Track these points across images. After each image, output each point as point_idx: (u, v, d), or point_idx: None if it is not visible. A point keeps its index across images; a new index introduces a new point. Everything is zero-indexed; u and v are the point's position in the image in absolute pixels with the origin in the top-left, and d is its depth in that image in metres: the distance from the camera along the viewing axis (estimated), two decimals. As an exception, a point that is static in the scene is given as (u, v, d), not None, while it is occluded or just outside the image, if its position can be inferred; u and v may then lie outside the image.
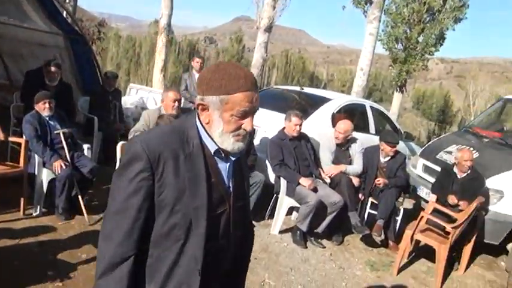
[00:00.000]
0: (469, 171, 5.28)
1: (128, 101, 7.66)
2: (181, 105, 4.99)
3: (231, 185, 1.67)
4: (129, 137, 4.84)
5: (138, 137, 1.60)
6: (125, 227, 1.52)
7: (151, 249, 1.57)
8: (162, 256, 1.57)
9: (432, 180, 5.84)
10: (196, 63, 7.96)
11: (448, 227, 4.82)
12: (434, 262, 4.90)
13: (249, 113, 1.59)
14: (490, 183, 5.45)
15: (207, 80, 1.54)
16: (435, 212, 5.18)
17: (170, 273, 1.58)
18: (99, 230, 1.56)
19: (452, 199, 5.17)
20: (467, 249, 5.24)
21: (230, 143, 1.58)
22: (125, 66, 18.20)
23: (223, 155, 1.62)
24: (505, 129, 7.65)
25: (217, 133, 1.57)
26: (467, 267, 5.36)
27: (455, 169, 5.37)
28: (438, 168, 5.90)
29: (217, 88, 1.52)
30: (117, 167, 1.63)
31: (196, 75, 7.93)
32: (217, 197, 1.61)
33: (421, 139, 12.81)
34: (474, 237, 5.22)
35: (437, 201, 5.34)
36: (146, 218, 1.53)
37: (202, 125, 1.60)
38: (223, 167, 1.64)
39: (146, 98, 8.05)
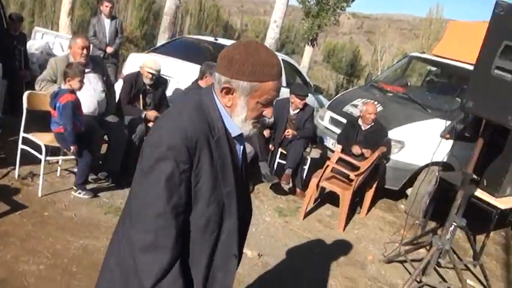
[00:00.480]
0: (372, 124, 5.61)
1: (33, 46, 7.19)
2: (90, 53, 4.79)
3: (242, 165, 1.66)
4: (36, 86, 4.62)
5: (167, 125, 1.46)
6: (173, 231, 1.42)
7: (190, 243, 1.52)
8: (202, 247, 1.53)
9: (338, 131, 6.13)
10: (105, 7, 7.57)
11: (352, 175, 5.16)
12: (338, 207, 5.26)
13: (273, 101, 1.53)
14: (392, 134, 5.82)
15: (239, 62, 1.43)
16: (340, 161, 5.50)
17: (210, 262, 1.56)
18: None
19: (356, 149, 5.50)
20: (369, 195, 5.65)
21: (248, 129, 1.54)
22: (29, 6, 16.87)
23: (241, 138, 1.59)
24: (408, 84, 8.15)
25: (240, 118, 1.51)
26: (369, 210, 5.82)
27: (359, 121, 5.67)
28: (344, 120, 6.20)
29: (250, 74, 1.43)
30: (145, 164, 1.44)
31: (106, 21, 7.61)
32: (238, 178, 1.58)
33: (330, 92, 13.26)
34: (376, 184, 5.63)
35: (342, 151, 5.65)
36: (188, 212, 1.47)
37: (222, 107, 1.52)
38: (239, 148, 1.61)
39: (52, 43, 7.59)
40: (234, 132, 1.53)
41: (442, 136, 5.37)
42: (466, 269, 5.03)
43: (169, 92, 5.85)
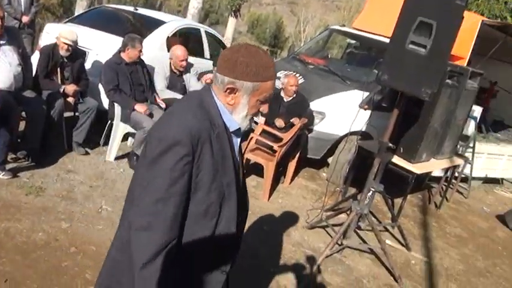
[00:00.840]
0: (294, 96, 5.72)
1: None
2: (5, 23, 4.47)
3: (238, 157, 1.76)
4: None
5: (173, 121, 1.57)
6: (169, 215, 1.51)
7: (187, 229, 1.60)
8: (199, 234, 1.62)
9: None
10: (19, -28, 7.10)
11: (275, 146, 5.26)
12: (263, 177, 5.37)
13: (270, 98, 1.68)
14: (314, 106, 5.97)
15: (243, 64, 1.56)
16: (264, 132, 5.59)
17: (206, 248, 1.65)
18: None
19: (279, 122, 5.59)
20: (292, 164, 5.81)
21: (246, 124, 1.69)
22: None
23: (238, 132, 1.71)
24: (329, 57, 8.34)
25: (241, 115, 1.65)
26: (292, 179, 5.99)
27: (282, 93, 5.76)
28: (269, 92, 6.25)
29: (254, 75, 1.57)
30: (149, 156, 1.54)
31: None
32: (237, 170, 1.70)
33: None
34: (298, 154, 5.79)
35: (266, 123, 5.73)
36: (186, 201, 1.56)
37: (222, 104, 1.65)
38: (236, 141, 1.72)
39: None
40: (232, 127, 1.67)
41: (361, 107, 5.58)
42: (385, 230, 5.35)
43: (88, 65, 5.62)
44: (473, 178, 7.81)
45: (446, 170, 6.58)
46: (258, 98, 1.63)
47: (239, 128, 1.70)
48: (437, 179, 7.09)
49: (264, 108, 1.70)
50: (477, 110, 7.33)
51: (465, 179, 7.69)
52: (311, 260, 4.21)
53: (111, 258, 1.75)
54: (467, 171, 7.46)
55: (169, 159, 1.50)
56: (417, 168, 5.06)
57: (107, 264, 1.78)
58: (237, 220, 1.72)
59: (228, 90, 1.61)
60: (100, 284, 1.80)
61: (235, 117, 1.66)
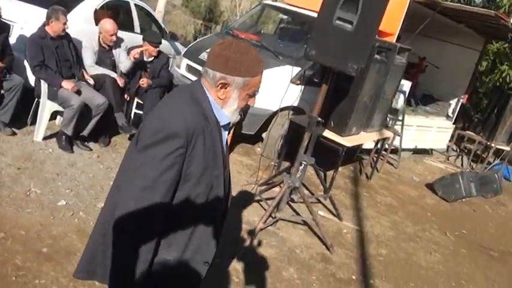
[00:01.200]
0: (227, 71, 5.67)
1: None
2: None
3: (225, 149, 1.85)
4: None
5: (169, 113, 1.62)
6: (154, 203, 1.57)
7: (172, 219, 1.67)
8: (184, 223, 1.69)
9: (195, 79, 6.08)
10: None
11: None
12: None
13: (257, 92, 1.75)
14: (246, 81, 5.95)
15: (235, 61, 1.63)
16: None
17: (191, 236, 1.72)
18: None
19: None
20: (228, 141, 5.78)
21: (236, 117, 1.78)
22: None
23: (227, 126, 1.79)
24: (262, 32, 8.33)
25: (232, 109, 1.73)
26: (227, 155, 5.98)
27: (215, 68, 5.70)
28: (200, 68, 6.16)
29: (245, 71, 1.65)
30: (142, 143, 1.60)
31: None
32: (225, 162, 1.80)
33: (189, 38, 13.04)
34: (233, 129, 5.79)
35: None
36: (173, 192, 1.62)
37: (213, 99, 1.71)
38: (224, 135, 1.81)
39: None
40: (222, 121, 1.74)
41: (293, 82, 5.65)
42: (318, 202, 5.50)
43: (13, 39, 5.30)
44: (403, 149, 8.13)
45: (376, 142, 6.81)
46: (247, 92, 1.71)
47: (229, 123, 1.78)
48: (368, 151, 7.34)
49: (252, 102, 1.77)
50: (406, 85, 7.59)
51: (395, 151, 7.99)
52: (247, 234, 4.27)
53: (93, 241, 1.83)
54: (397, 143, 7.76)
55: (162, 149, 1.55)
56: (347, 141, 5.20)
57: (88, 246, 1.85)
58: (222, 209, 1.85)
59: (219, 85, 1.68)
60: (83, 266, 1.86)
61: (226, 111, 1.73)
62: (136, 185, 1.57)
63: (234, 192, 5.01)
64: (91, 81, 5.21)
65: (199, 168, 1.63)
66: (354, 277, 4.23)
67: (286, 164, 5.87)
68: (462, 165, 9.85)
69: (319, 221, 4.58)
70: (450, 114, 9.86)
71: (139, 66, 5.60)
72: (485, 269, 5.34)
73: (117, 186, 1.71)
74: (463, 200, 7.31)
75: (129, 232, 1.59)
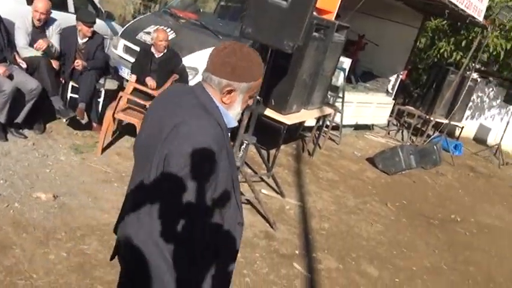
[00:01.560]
0: (165, 51, 5.57)
1: None
2: None
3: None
4: None
5: (196, 136, 1.62)
6: (201, 223, 1.70)
7: (211, 217, 1.76)
8: (218, 220, 1.78)
9: (133, 60, 5.95)
10: None
11: (148, 105, 5.13)
12: (137, 138, 5.22)
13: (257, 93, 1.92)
14: (186, 61, 5.86)
15: (241, 68, 1.68)
16: (136, 91, 5.42)
17: (216, 235, 1.79)
18: None
19: (149, 81, 5.44)
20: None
21: (237, 119, 1.84)
22: None
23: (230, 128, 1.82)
24: (200, 11, 8.19)
25: (236, 112, 1.78)
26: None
27: (152, 49, 5.58)
28: (138, 49, 6.04)
29: (250, 76, 1.71)
30: (180, 171, 1.61)
31: None
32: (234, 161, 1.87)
33: (128, 18, 12.67)
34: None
35: (137, 80, 5.55)
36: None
37: (220, 105, 1.73)
38: (228, 137, 1.81)
39: None
40: (230, 125, 1.78)
41: (234, 61, 5.59)
42: (261, 180, 5.53)
43: None
44: (344, 126, 8.30)
45: (318, 120, 6.90)
46: (250, 94, 1.78)
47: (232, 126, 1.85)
48: (310, 129, 7.43)
49: (251, 102, 1.85)
50: (346, 62, 7.71)
51: (337, 127, 8.14)
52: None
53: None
54: (338, 119, 7.90)
55: (204, 170, 1.63)
56: (288, 119, 5.24)
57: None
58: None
59: (227, 91, 1.71)
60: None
61: (231, 113, 1.78)
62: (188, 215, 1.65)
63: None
64: (23, 65, 4.95)
65: (224, 172, 1.70)
66: (297, 252, 4.30)
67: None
68: (402, 139, 10.17)
69: (261, 199, 4.62)
70: (390, 90, 10.13)
71: (73, 47, 5.38)
72: (426, 236, 5.57)
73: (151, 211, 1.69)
74: (403, 172, 7.57)
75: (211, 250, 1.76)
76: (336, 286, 3.99)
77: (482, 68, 12.77)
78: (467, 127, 12.04)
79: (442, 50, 11.31)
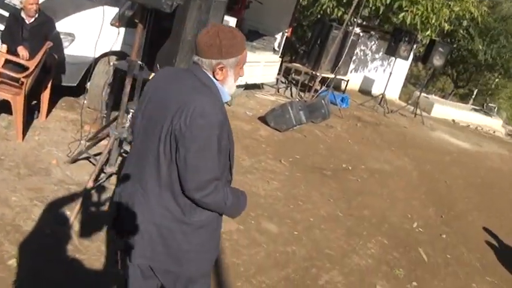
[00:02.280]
0: (36, 16, 5.09)
1: None
2: None
3: None
4: None
5: (205, 108, 1.86)
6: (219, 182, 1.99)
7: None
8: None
9: (2, 27, 5.38)
10: None
11: (20, 77, 4.68)
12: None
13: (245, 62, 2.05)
14: (61, 26, 5.41)
15: (226, 46, 1.91)
16: (8, 63, 4.92)
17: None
18: None
19: (21, 51, 4.96)
20: (46, 95, 5.25)
21: (233, 90, 2.08)
22: None
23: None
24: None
25: (230, 85, 2.03)
26: (49, 112, 5.46)
27: (23, 14, 5.07)
28: (7, 14, 5.44)
29: (236, 51, 1.95)
30: (196, 140, 1.86)
31: None
32: None
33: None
34: (51, 82, 5.26)
35: (8, 51, 5.04)
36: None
37: (216, 82, 1.98)
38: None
39: None
40: (225, 99, 2.03)
41: (112, 24, 5.27)
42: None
43: None
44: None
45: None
46: (239, 66, 2.01)
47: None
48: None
49: (242, 72, 2.05)
50: (231, 21, 7.60)
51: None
52: (75, 196, 3.97)
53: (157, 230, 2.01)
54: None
55: (214, 140, 1.88)
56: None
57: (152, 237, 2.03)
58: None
59: (218, 69, 1.95)
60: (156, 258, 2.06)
61: (226, 87, 2.01)
62: (203, 178, 1.91)
63: (60, 153, 4.64)
64: None
65: (225, 141, 1.96)
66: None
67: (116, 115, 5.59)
68: (292, 95, 10.40)
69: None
70: (276, 48, 10.23)
71: None
72: (320, 187, 5.78)
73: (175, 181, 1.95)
74: (295, 128, 7.75)
75: (219, 190, 1.97)
76: (238, 247, 4.01)
77: (364, 23, 13.34)
78: (353, 80, 12.63)
79: (324, 7, 11.51)
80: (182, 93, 1.91)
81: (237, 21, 7.98)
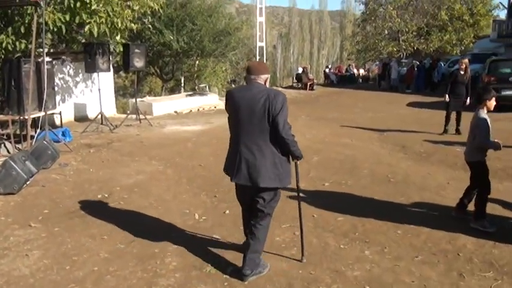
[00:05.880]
0: None
1: None
2: None
3: None
4: None
5: (278, 92, 4.04)
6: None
7: None
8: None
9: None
10: None
11: None
12: None
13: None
14: None
15: (265, 68, 4.11)
16: None
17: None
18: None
19: None
20: None
21: None
22: None
23: None
24: None
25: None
26: None
27: None
28: None
29: (267, 71, 4.04)
30: (280, 105, 3.81)
31: None
32: None
33: None
34: None
35: None
36: None
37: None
38: None
39: None
40: None
41: None
42: None
43: None
44: None
45: None
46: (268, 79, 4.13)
47: None
48: None
49: (267, 82, 4.11)
50: None
51: None
52: None
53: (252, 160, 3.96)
54: None
55: (287, 105, 3.86)
56: None
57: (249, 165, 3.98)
58: None
59: (266, 80, 4.00)
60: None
61: None
62: (286, 120, 3.84)
63: None
64: None
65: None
66: None
67: None
68: (9, 152, 9.07)
69: None
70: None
71: None
72: (84, 230, 5.13)
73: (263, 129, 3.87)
74: (28, 183, 6.75)
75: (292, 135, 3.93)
76: None
77: (52, 50, 12.44)
78: (65, 111, 11.78)
79: (4, 44, 10.16)
80: (260, 91, 3.84)
81: None
